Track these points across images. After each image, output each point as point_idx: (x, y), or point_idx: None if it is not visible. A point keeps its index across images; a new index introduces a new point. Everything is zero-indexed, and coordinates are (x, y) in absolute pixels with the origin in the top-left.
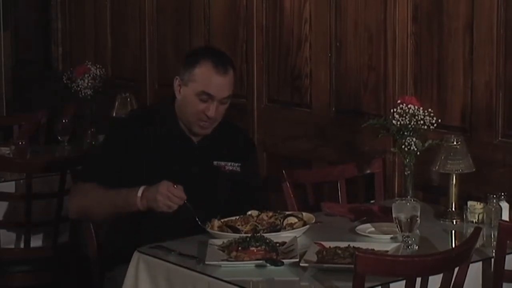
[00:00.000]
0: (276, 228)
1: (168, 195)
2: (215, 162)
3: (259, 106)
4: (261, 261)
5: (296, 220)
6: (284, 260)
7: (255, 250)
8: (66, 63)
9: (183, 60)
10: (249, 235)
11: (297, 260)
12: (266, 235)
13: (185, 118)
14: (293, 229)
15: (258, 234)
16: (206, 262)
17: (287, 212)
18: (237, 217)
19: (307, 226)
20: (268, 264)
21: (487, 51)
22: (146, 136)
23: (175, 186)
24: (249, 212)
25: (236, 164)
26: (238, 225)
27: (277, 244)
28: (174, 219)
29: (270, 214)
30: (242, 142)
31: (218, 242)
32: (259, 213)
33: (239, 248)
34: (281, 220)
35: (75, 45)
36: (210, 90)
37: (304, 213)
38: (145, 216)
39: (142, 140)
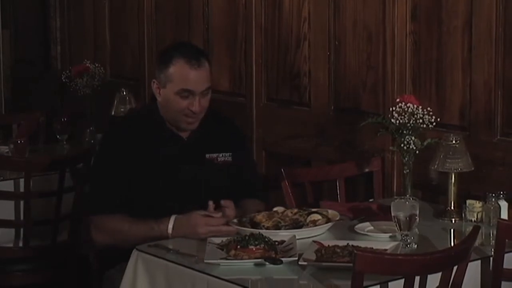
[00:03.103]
0: (298, 225)
1: (209, 230)
2: (207, 155)
3: (258, 105)
4: (260, 260)
5: (319, 217)
6: (283, 259)
7: (254, 249)
8: (65, 62)
9: (157, 62)
10: (256, 232)
11: (296, 258)
12: (283, 232)
13: (171, 117)
14: (315, 226)
15: (257, 233)
16: (205, 261)
17: (313, 209)
18: (262, 212)
19: (330, 224)
20: (267, 263)
21: (486, 50)
22: (136, 144)
23: (207, 213)
24: (275, 208)
25: (227, 154)
26: (262, 221)
27: (276, 243)
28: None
29: (295, 210)
30: (230, 132)
31: (217, 240)
32: (285, 209)
33: (238, 246)
34: (305, 217)
35: (74, 44)
36: (188, 86)
37: (329, 211)
38: (144, 215)
39: (134, 149)
